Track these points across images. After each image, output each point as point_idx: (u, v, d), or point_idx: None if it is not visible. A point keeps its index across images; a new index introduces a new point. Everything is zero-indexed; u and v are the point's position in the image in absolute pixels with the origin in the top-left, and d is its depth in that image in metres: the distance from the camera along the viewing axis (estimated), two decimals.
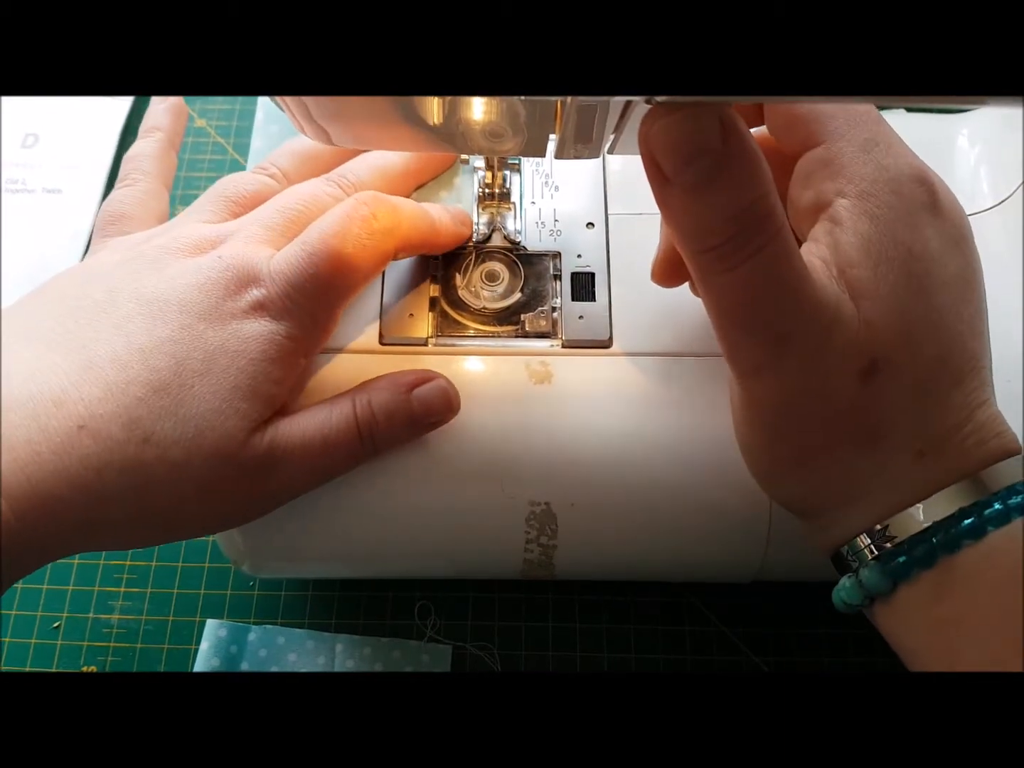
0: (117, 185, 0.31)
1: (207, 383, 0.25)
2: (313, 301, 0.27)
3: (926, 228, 0.23)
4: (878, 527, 0.23)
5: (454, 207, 0.33)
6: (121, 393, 0.25)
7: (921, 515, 0.23)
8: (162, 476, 0.25)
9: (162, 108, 0.33)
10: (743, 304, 0.22)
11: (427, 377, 0.29)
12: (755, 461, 0.26)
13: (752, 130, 0.22)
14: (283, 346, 0.27)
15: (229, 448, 0.26)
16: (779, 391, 0.23)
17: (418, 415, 0.28)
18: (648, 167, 0.22)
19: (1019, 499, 0.22)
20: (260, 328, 0.26)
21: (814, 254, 0.24)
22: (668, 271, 0.29)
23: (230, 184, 0.30)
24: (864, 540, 0.24)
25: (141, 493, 0.25)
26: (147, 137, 0.33)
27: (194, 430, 0.25)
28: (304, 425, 0.27)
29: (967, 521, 0.22)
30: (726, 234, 0.21)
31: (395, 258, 0.30)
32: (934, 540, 0.22)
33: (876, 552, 0.23)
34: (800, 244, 0.24)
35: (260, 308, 0.27)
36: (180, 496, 0.26)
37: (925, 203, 0.24)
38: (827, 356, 0.23)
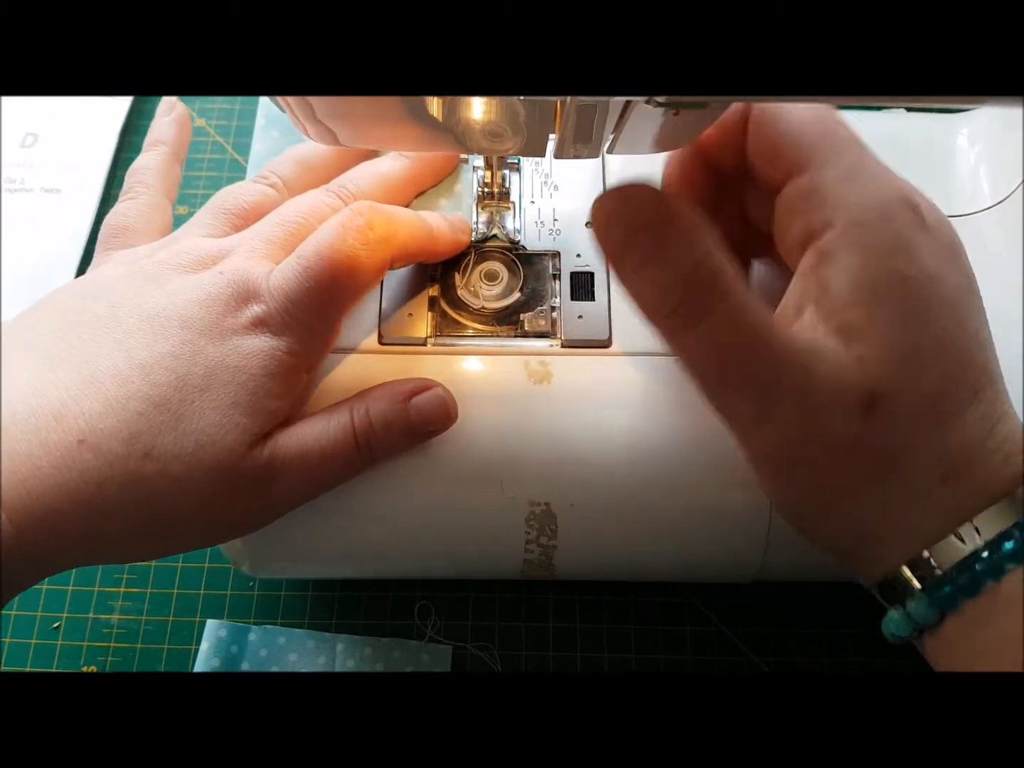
0: (120, 198, 0.31)
1: (208, 398, 0.26)
2: (311, 315, 0.27)
3: (918, 248, 0.23)
4: (920, 557, 0.23)
5: (453, 215, 0.33)
6: (122, 408, 0.25)
7: (962, 541, 0.22)
8: (162, 490, 0.25)
9: (167, 120, 0.33)
10: (716, 360, 0.23)
11: (425, 386, 0.29)
12: (784, 512, 0.26)
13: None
14: (283, 361, 0.27)
15: (229, 462, 0.26)
16: (778, 439, 0.23)
17: (415, 424, 0.28)
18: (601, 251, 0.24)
19: None
20: (260, 344, 0.26)
21: (802, 291, 0.24)
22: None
23: (230, 196, 0.30)
24: (907, 571, 0.23)
25: (141, 507, 0.25)
26: (151, 150, 0.33)
27: (194, 444, 0.25)
28: (302, 436, 0.27)
29: (1008, 544, 0.21)
30: (678, 296, 0.23)
31: (392, 267, 0.30)
32: (977, 568, 0.22)
33: (921, 583, 0.23)
34: (791, 274, 0.25)
35: (260, 324, 0.27)
36: (180, 510, 0.26)
37: (913, 223, 0.23)
38: (816, 397, 0.22)
